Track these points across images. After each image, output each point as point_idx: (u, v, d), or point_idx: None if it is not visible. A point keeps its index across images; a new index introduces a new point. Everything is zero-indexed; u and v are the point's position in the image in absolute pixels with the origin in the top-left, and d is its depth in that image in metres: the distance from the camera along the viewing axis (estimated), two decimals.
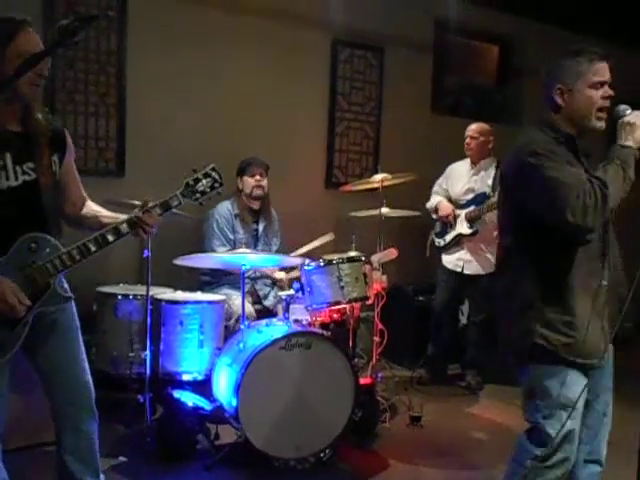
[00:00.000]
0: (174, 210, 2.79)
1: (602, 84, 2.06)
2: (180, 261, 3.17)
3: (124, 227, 2.09)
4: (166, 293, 3.57)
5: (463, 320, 4.96)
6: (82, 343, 2.23)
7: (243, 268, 3.18)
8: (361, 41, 5.01)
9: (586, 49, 2.08)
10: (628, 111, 2.06)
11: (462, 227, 4.37)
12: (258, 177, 3.96)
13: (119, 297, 3.45)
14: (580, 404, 2.07)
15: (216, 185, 2.23)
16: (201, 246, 3.90)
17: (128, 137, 4.16)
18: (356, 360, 3.45)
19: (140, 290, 3.52)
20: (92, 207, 2.27)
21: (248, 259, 3.19)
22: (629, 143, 2.01)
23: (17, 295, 1.93)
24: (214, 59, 4.39)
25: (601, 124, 2.08)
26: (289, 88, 4.71)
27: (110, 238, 2.07)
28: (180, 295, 3.57)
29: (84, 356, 2.22)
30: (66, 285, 2.17)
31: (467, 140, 4.39)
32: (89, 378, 2.22)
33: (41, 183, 2.04)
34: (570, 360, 2.04)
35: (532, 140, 2.08)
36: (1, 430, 2.10)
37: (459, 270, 4.40)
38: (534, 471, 2.08)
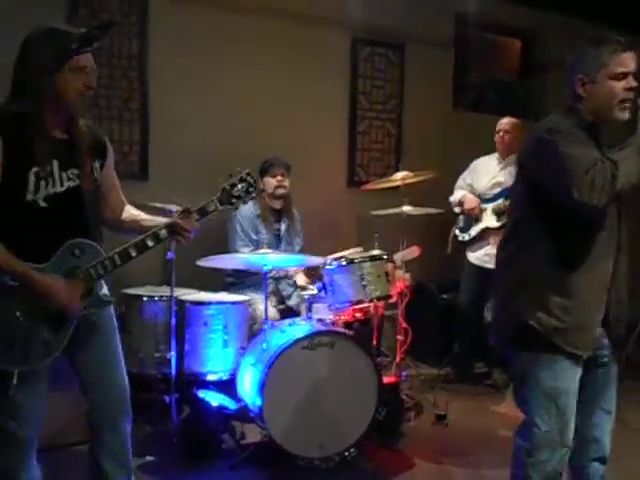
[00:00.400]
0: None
1: (625, 75, 2.01)
2: (203, 262, 3.20)
3: (163, 233, 2.13)
4: (190, 294, 3.60)
5: (489, 317, 4.91)
6: (119, 345, 2.27)
7: (265, 268, 3.20)
8: (381, 39, 5.00)
9: (609, 38, 2.02)
10: None
11: (489, 220, 4.33)
12: (280, 177, 3.97)
13: (144, 299, 3.49)
14: (573, 395, 2.04)
15: (251, 190, 2.27)
16: (225, 247, 3.93)
17: (151, 141, 4.21)
18: (380, 359, 3.44)
19: (165, 291, 3.55)
20: (131, 211, 2.32)
21: (270, 259, 3.21)
22: None
23: (70, 293, 1.99)
24: (235, 61, 4.41)
25: (623, 114, 2.03)
26: (310, 87, 4.72)
27: (150, 243, 2.12)
28: (204, 296, 3.60)
29: (121, 357, 2.26)
30: (106, 289, 2.23)
31: (500, 134, 4.35)
32: (126, 379, 2.26)
33: (84, 189, 2.09)
34: (561, 347, 2.00)
35: (552, 120, 2.07)
36: (39, 430, 2.14)
37: (487, 266, 4.36)
38: (532, 467, 2.05)
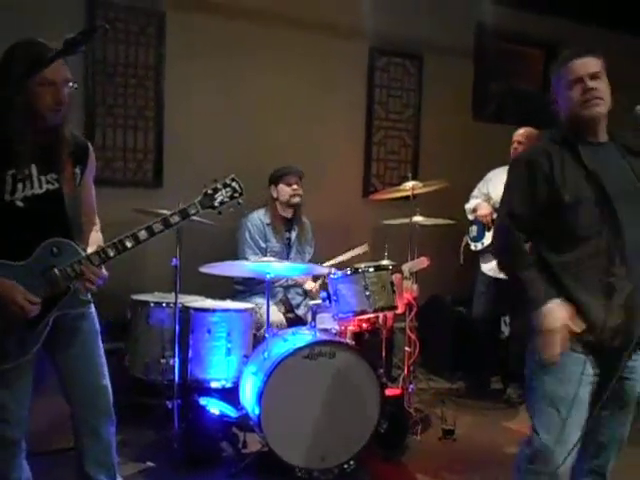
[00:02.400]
0: (200, 219, 2.85)
1: (577, 81, 2.03)
2: (206, 269, 3.21)
3: (143, 234, 2.15)
4: (196, 301, 3.61)
5: (507, 332, 4.81)
6: (102, 348, 2.29)
7: (268, 277, 3.20)
8: (399, 49, 4.99)
9: (567, 51, 2.09)
10: None
11: None
12: (295, 186, 3.96)
13: (152, 305, 3.51)
14: (578, 405, 1.98)
15: (235, 195, 2.29)
16: (235, 255, 3.95)
17: (166, 149, 4.26)
18: (382, 371, 3.38)
19: (173, 298, 3.56)
20: (92, 239, 2.28)
21: (273, 268, 3.20)
22: None
23: (26, 296, 2.01)
24: (251, 70, 4.44)
25: (590, 111, 2.04)
26: (326, 96, 4.72)
27: (128, 244, 2.15)
28: (209, 303, 3.61)
29: (103, 361, 2.28)
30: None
31: (514, 145, 4.27)
32: (107, 383, 2.28)
33: (64, 192, 2.14)
34: (571, 348, 1.97)
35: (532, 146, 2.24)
36: (24, 430, 2.17)
37: (501, 276, 4.27)
38: (529, 475, 2.02)
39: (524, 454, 2.06)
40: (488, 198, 4.40)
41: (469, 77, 5.31)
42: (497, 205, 4.26)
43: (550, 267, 2.02)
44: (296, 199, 3.99)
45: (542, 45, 5.60)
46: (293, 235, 4.09)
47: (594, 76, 2.02)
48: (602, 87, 2.04)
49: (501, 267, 2.19)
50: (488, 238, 4.32)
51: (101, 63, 4.02)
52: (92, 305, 2.28)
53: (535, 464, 2.01)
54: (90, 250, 2.17)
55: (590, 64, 2.04)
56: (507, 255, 2.12)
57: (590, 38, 5.12)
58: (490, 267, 4.35)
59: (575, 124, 2.08)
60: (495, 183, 4.41)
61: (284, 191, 3.98)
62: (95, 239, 2.28)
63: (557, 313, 1.93)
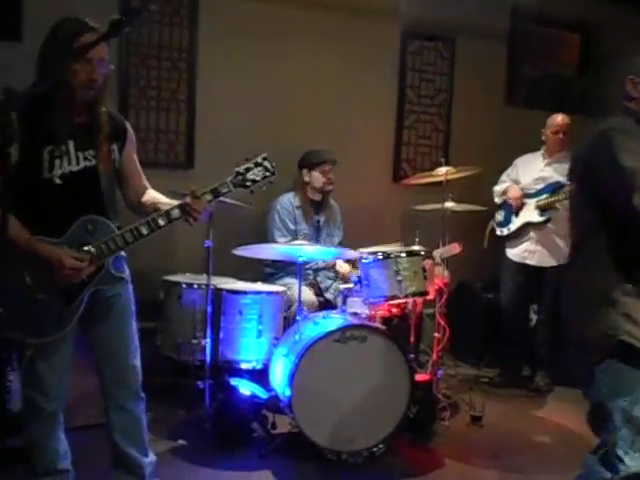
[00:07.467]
0: (233, 201, 2.84)
1: None
2: (238, 251, 3.23)
3: (175, 212, 2.18)
4: (228, 283, 3.64)
5: (535, 319, 4.77)
6: (135, 328, 2.33)
7: (300, 260, 3.21)
8: (432, 32, 4.93)
9: None
10: None
11: (532, 215, 4.22)
12: (330, 175, 3.97)
13: (184, 286, 3.55)
14: None
15: (267, 174, 2.29)
16: (265, 238, 3.97)
17: (197, 131, 4.27)
18: (412, 356, 3.39)
19: (205, 279, 3.59)
20: (152, 194, 2.35)
21: (305, 251, 3.22)
22: None
23: (74, 256, 2.06)
24: (282, 54, 4.43)
25: None
26: (358, 80, 4.68)
27: (161, 222, 2.17)
28: (240, 285, 3.63)
29: (135, 340, 2.33)
30: (124, 266, 2.29)
31: (560, 135, 4.19)
32: (137, 363, 2.32)
33: (100, 169, 2.17)
34: None
35: (612, 121, 1.98)
36: (64, 403, 2.23)
37: (527, 262, 4.25)
38: None
39: (602, 477, 1.88)
40: (516, 183, 4.36)
41: (502, 61, 5.23)
42: (526, 191, 4.28)
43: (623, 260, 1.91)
44: (329, 187, 4.01)
45: (578, 29, 5.49)
46: (322, 218, 4.09)
47: None
48: None
49: None
50: (515, 223, 4.28)
51: (135, 45, 4.04)
52: (129, 285, 2.32)
53: None
54: (164, 200, 2.25)
55: None
56: None
57: (630, 23, 5.00)
58: (516, 252, 4.32)
59: None
60: (523, 168, 4.38)
61: (318, 178, 3.98)
62: (156, 195, 2.32)
63: None
